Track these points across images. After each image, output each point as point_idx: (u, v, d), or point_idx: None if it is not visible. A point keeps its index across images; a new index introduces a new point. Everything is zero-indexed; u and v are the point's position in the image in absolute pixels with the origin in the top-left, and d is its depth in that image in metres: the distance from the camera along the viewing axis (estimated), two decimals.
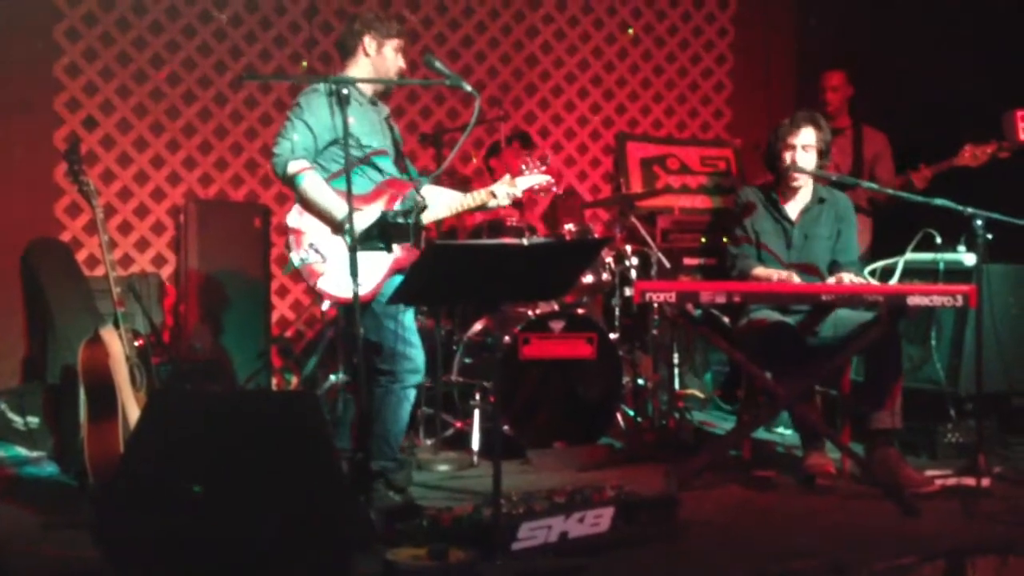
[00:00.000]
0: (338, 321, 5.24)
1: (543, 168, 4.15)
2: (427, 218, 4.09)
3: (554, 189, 4.32)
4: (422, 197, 3.97)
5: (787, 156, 4.59)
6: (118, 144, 5.95)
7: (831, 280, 4.43)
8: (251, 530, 2.92)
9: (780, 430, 5.34)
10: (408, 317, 3.97)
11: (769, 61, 7.33)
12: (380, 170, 4.02)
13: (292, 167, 3.85)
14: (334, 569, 3.05)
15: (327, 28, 6.33)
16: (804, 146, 4.57)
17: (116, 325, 3.97)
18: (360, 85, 4.01)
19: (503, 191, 4.07)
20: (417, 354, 3.96)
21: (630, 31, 6.94)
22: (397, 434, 3.98)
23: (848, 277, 4.37)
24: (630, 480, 3.92)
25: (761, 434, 5.15)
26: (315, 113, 3.87)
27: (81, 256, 5.72)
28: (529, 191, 4.16)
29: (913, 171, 5.41)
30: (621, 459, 4.75)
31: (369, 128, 4.02)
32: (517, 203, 4.74)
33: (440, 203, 4.13)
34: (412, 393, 4.00)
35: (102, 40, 5.88)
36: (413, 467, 4.42)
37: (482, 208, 4.17)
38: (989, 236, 4.17)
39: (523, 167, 4.14)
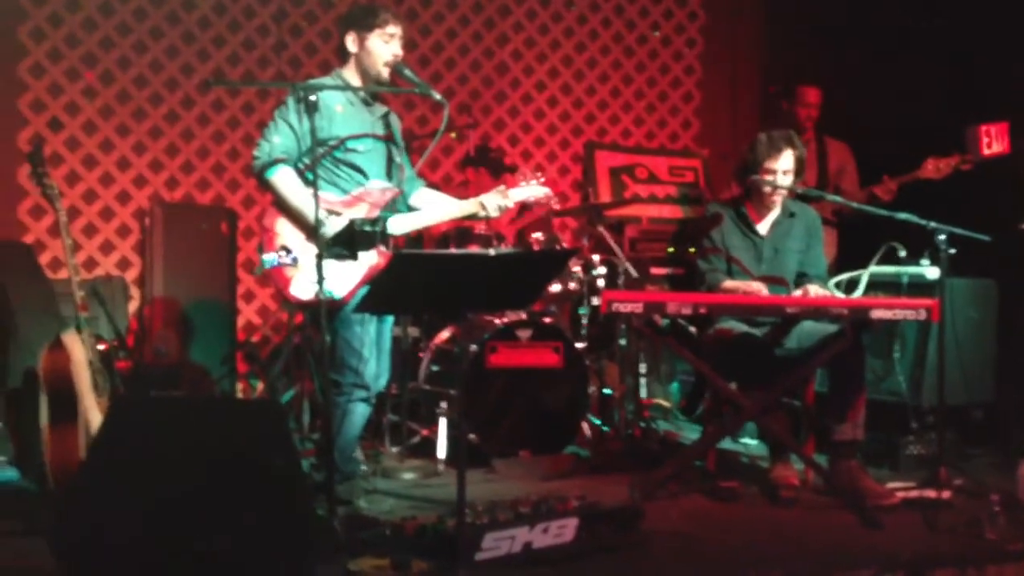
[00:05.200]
0: (305, 327, 5.21)
1: (541, 180, 4.08)
2: (417, 224, 4.03)
3: (554, 204, 4.27)
4: (406, 206, 3.91)
5: (767, 179, 4.58)
6: (83, 146, 5.89)
7: (797, 292, 4.45)
8: (212, 539, 2.89)
9: (745, 440, 5.36)
10: (371, 329, 3.91)
11: (736, 72, 7.37)
12: (363, 171, 3.95)
13: (268, 167, 3.82)
14: None
15: (296, 32, 6.30)
16: (784, 171, 4.58)
17: (79, 329, 3.91)
18: (352, 84, 3.94)
19: (494, 202, 3.98)
20: (366, 369, 3.88)
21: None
22: (342, 447, 3.89)
23: (814, 289, 4.40)
24: (595, 490, 3.93)
25: (726, 445, 5.17)
26: (300, 113, 3.80)
27: (44, 259, 5.65)
28: (523, 204, 4.10)
29: (876, 185, 5.47)
30: (586, 469, 4.75)
31: (359, 127, 3.95)
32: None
33: (432, 210, 4.09)
34: (360, 407, 3.91)
35: (68, 41, 5.83)
36: (372, 477, 4.38)
37: (472, 218, 4.10)
38: (952, 250, 4.22)
39: (520, 179, 4.07)
